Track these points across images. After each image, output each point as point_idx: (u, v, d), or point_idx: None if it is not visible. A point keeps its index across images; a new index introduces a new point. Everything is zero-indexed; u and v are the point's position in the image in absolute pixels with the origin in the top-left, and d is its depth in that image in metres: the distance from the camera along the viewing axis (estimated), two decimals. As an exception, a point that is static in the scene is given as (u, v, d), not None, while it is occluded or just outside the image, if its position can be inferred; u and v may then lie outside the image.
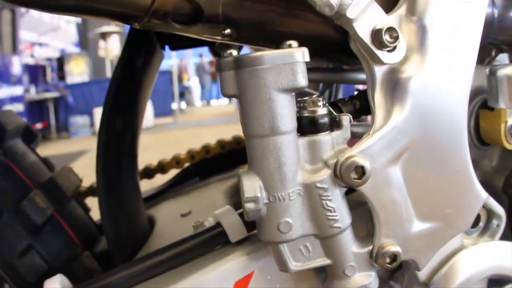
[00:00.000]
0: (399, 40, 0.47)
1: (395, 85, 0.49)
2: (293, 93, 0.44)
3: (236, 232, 0.57)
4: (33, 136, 0.88)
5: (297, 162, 0.45)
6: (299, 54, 0.43)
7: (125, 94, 0.83)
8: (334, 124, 0.48)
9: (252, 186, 0.44)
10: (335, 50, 0.59)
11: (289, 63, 0.43)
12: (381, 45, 0.47)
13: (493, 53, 0.70)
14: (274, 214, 0.45)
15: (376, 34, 0.47)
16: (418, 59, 0.50)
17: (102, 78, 9.38)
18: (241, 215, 0.58)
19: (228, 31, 0.51)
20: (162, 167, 1.04)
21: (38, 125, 7.72)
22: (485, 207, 0.59)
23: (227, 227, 0.57)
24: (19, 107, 6.89)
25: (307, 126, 0.46)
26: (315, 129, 0.46)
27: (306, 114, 0.47)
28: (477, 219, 0.60)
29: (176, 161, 1.04)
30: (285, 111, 0.43)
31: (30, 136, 0.86)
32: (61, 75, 9.52)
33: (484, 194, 0.56)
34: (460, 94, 0.52)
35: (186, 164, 1.08)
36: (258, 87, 0.42)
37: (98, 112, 7.80)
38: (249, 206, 0.44)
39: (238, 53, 0.45)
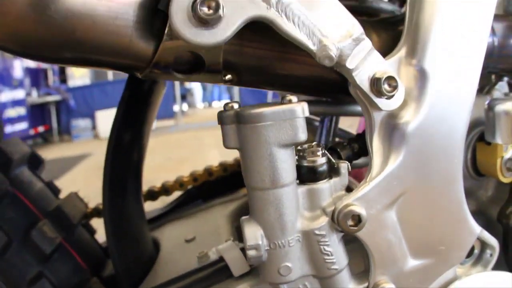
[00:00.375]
0: (397, 89, 0.48)
1: (393, 130, 0.50)
2: (293, 146, 0.46)
3: (239, 267, 0.59)
4: (39, 162, 0.90)
5: (296, 211, 0.47)
6: (299, 110, 0.45)
7: (131, 121, 0.85)
8: (333, 171, 0.50)
9: (253, 234, 0.46)
10: (334, 90, 0.60)
11: (289, 119, 0.44)
12: (379, 93, 0.48)
13: (493, 80, 0.70)
14: (274, 260, 0.48)
15: (375, 83, 0.48)
16: (417, 103, 0.50)
17: (103, 81, 9.37)
18: (242, 250, 0.60)
19: (229, 76, 0.52)
20: (166, 189, 1.06)
21: (40, 129, 7.75)
22: (479, 238, 0.60)
23: (229, 262, 0.59)
24: (21, 111, 6.92)
25: (306, 175, 0.48)
26: (314, 177, 0.48)
27: (305, 164, 0.48)
28: (471, 249, 0.61)
29: (179, 184, 1.06)
30: (285, 165, 0.45)
31: (35, 162, 0.89)
32: (63, 78, 9.51)
33: (477, 229, 0.57)
34: (457, 136, 0.52)
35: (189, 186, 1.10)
36: (259, 143, 0.44)
37: (100, 115, 7.79)
38: (251, 253, 0.46)
39: (239, 105, 0.47)
